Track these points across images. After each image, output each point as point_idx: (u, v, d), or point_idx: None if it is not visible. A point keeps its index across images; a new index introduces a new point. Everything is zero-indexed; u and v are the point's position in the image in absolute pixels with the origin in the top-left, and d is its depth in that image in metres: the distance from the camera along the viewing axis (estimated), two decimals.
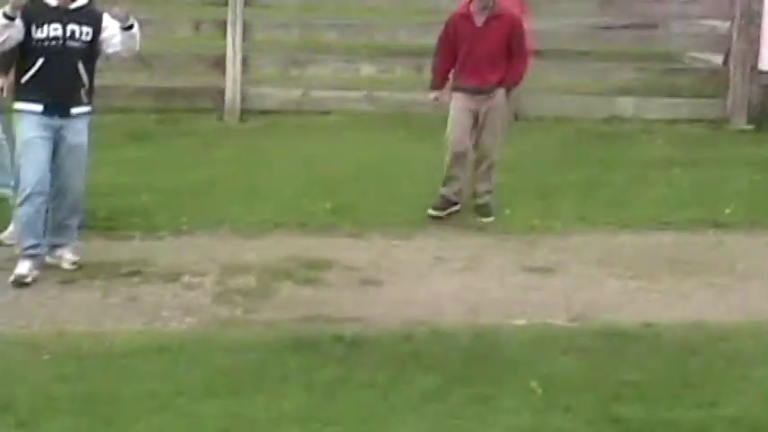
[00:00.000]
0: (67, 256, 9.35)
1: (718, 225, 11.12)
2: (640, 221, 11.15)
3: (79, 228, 9.66)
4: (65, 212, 9.36)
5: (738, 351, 7.94)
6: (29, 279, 8.99)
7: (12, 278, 8.97)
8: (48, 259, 9.36)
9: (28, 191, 9.03)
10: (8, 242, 9.66)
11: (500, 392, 7.14)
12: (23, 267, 9.03)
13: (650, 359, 7.75)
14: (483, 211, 11.13)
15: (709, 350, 7.92)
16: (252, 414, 6.78)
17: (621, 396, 7.12)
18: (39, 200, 9.07)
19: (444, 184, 11.08)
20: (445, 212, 11.06)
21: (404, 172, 12.37)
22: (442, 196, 11.07)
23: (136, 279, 9.23)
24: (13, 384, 7.13)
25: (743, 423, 6.73)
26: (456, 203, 11.11)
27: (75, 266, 9.30)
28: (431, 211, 11.01)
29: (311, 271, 9.46)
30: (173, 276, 9.29)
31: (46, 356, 7.58)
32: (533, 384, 7.25)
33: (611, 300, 9.08)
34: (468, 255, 10.07)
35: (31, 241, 9.11)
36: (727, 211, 11.43)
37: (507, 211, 11.27)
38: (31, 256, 9.11)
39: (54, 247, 9.39)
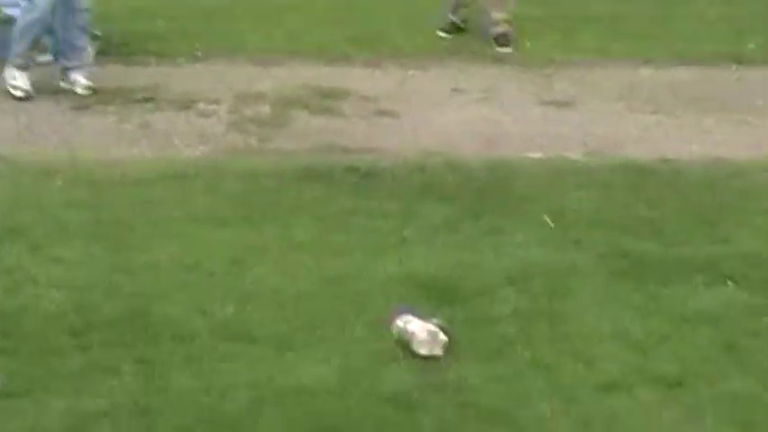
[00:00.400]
0: (82, 81, 9.28)
1: (740, 60, 10.95)
2: (662, 56, 10.99)
3: (95, 53, 9.58)
4: (74, 31, 9.25)
5: (755, 187, 7.87)
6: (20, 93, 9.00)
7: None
8: (62, 84, 9.31)
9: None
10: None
11: (512, 225, 7.11)
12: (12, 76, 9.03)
13: (665, 195, 7.69)
14: (501, 40, 10.99)
15: (725, 186, 7.86)
16: (263, 242, 6.78)
17: (634, 231, 7.09)
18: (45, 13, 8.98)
19: (453, 12, 11.11)
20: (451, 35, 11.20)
21: (425, 2, 12.18)
22: (451, 22, 11.11)
23: (150, 106, 9.17)
24: (26, 209, 7.13)
25: (755, 259, 6.69)
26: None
27: (89, 91, 9.24)
28: (440, 33, 11.17)
29: (326, 100, 9.38)
30: (187, 103, 9.23)
31: (58, 182, 7.57)
32: (546, 218, 7.21)
33: (629, 134, 9.00)
34: (485, 86, 9.96)
35: (23, 48, 9.05)
36: (751, 46, 11.25)
37: (528, 44, 11.12)
38: (19, 66, 9.07)
39: (67, 70, 9.31)
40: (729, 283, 6.44)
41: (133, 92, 9.37)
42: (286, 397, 5.06)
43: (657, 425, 4.97)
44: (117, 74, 9.76)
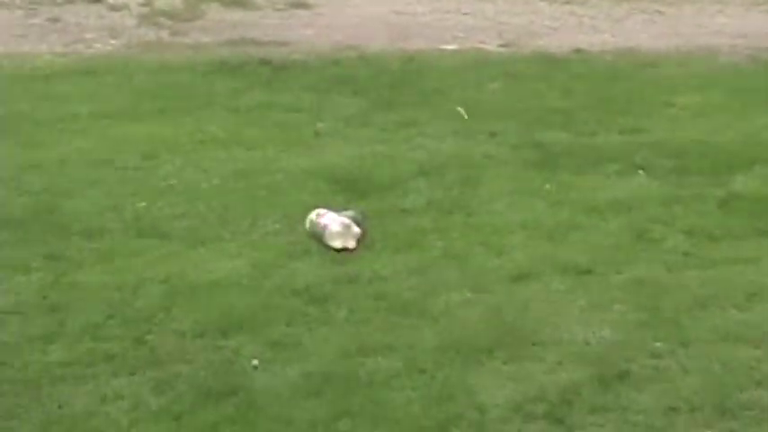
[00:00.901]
0: None
1: None
2: None
3: None
4: None
5: (665, 77, 7.93)
6: None
7: None
8: None
9: None
10: None
11: (426, 117, 7.11)
12: None
13: (577, 85, 7.73)
14: None
15: (636, 76, 7.91)
16: (177, 137, 6.72)
17: (547, 122, 7.12)
18: None
19: None
20: None
21: None
22: None
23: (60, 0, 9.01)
24: None
25: (665, 147, 6.76)
26: None
27: None
28: None
29: None
30: None
31: None
32: (460, 109, 7.21)
33: (543, 25, 9.01)
34: None
35: None
36: None
37: None
38: None
39: None
40: (640, 172, 6.50)
41: None
42: (198, 291, 5.04)
43: (567, 312, 5.02)
44: None
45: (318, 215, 5.66)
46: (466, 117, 7.15)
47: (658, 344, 4.67)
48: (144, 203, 5.87)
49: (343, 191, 6.08)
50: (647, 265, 5.43)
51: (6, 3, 8.85)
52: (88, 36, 8.39)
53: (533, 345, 4.68)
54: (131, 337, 4.57)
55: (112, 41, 8.32)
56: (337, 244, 5.51)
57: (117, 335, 4.58)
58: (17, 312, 4.74)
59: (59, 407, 3.77)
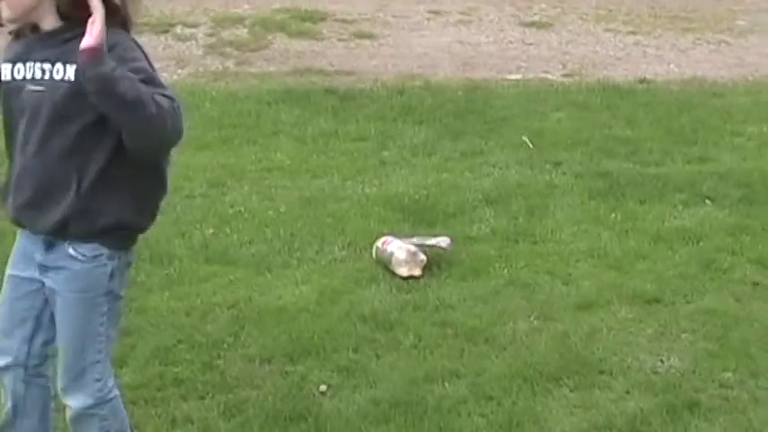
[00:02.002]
0: None
1: None
2: None
3: None
4: None
5: (733, 107, 7.89)
6: None
7: None
8: None
9: None
10: None
11: (491, 146, 7.12)
12: None
13: (643, 115, 7.70)
14: None
15: (702, 106, 7.87)
16: (243, 165, 6.78)
17: (612, 151, 7.10)
18: None
19: None
20: None
21: None
22: None
23: None
24: None
25: (732, 177, 6.72)
26: None
27: None
28: None
29: (305, 23, 9.35)
30: (165, 27, 9.18)
31: None
32: (525, 138, 7.22)
33: (608, 55, 9.00)
34: (464, 8, 9.93)
35: None
36: None
37: None
38: None
39: None
40: (707, 201, 6.47)
41: None
42: (266, 317, 5.08)
43: (635, 340, 5.01)
44: None
45: (385, 242, 5.68)
46: (531, 146, 7.15)
47: (728, 374, 4.64)
48: (212, 230, 5.92)
49: (409, 219, 6.10)
50: (715, 294, 5.40)
51: None
52: (156, 66, 8.45)
53: (601, 373, 4.67)
54: (201, 362, 4.61)
55: (179, 71, 8.41)
56: (403, 271, 5.53)
57: (186, 359, 4.63)
58: None
59: (130, 429, 3.80)
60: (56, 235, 3.43)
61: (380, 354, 4.77)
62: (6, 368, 3.62)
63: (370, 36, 9.19)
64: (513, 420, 4.24)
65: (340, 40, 9.11)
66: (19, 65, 3.44)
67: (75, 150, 3.38)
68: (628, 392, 4.47)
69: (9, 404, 3.67)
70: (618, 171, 6.77)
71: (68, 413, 3.58)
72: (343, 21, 9.47)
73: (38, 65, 3.41)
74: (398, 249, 5.60)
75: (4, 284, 3.60)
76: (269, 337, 4.90)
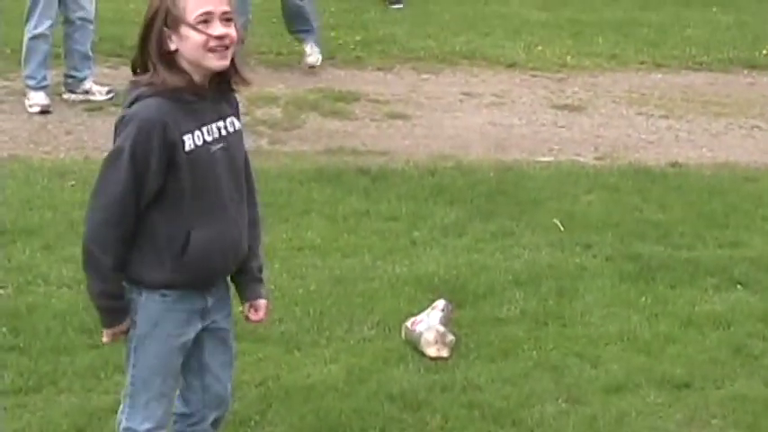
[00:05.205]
0: (96, 88, 9.28)
1: (752, 66, 10.98)
2: (674, 61, 11.02)
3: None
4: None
5: (764, 192, 7.88)
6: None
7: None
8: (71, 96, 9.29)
9: None
10: None
11: (522, 228, 7.13)
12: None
13: (675, 199, 7.70)
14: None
15: (734, 191, 7.86)
16: (273, 243, 6.79)
17: (643, 234, 7.10)
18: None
19: None
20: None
21: (435, 6, 12.21)
22: None
23: None
24: (40, 209, 7.17)
25: (763, 262, 6.70)
26: None
27: (108, 95, 9.24)
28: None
29: (338, 103, 9.42)
30: None
31: (71, 183, 7.61)
32: (556, 221, 7.23)
33: (640, 139, 9.02)
34: (496, 91, 9.99)
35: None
36: (764, 52, 11.26)
37: (539, 48, 11.15)
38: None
39: (80, 80, 9.28)
40: (739, 286, 6.45)
41: None
42: (293, 395, 5.08)
43: (664, 426, 4.98)
44: (127, 76, 9.78)
45: (414, 323, 5.69)
46: (562, 229, 7.16)
47: None
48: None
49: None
50: (746, 380, 5.38)
51: (112, 112, 9.03)
52: None
53: None
54: None
55: None
56: (432, 352, 5.53)
57: None
58: (117, 412, 4.80)
59: None
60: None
61: None
62: None
63: (402, 117, 9.25)
64: None
65: (373, 120, 9.16)
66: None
67: None
68: None
69: None
70: (649, 254, 6.77)
71: None
72: (376, 101, 9.53)
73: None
74: (427, 330, 5.61)
75: None
76: (296, 416, 4.90)
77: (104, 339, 3.96)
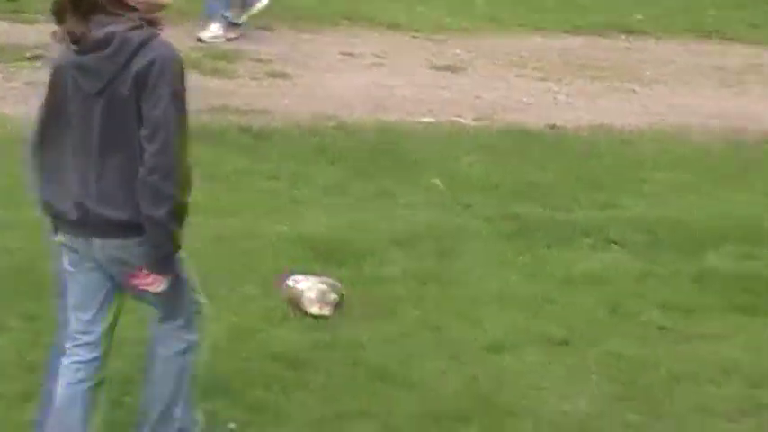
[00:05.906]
0: None
1: (628, 31, 11.13)
2: (551, 24, 11.12)
3: None
4: None
5: (640, 154, 8.03)
6: None
7: None
8: None
9: None
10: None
11: (403, 188, 7.17)
12: None
13: (553, 160, 7.80)
14: None
15: (610, 153, 8.00)
16: None
17: (522, 195, 7.19)
18: None
19: None
20: None
21: None
22: None
23: (39, 64, 9.03)
24: None
25: (639, 224, 6.83)
26: None
27: None
28: None
29: (219, 62, 9.33)
30: None
31: None
32: (436, 181, 7.28)
33: (519, 101, 9.10)
34: (377, 51, 9.99)
35: None
36: (639, 17, 11.43)
37: (419, 9, 11.17)
38: None
39: None
40: (614, 246, 6.57)
41: (21, 49, 9.22)
42: None
43: (543, 383, 5.07)
44: (4, 31, 9.60)
45: (296, 281, 5.70)
46: (442, 188, 7.21)
47: (634, 416, 4.71)
48: None
49: (320, 258, 6.12)
50: (621, 338, 5.49)
51: None
52: None
53: (510, 415, 4.72)
54: (109, 400, 4.56)
55: None
56: (314, 310, 5.55)
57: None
58: None
59: None
60: None
61: (290, 392, 4.79)
62: None
63: (284, 75, 9.21)
64: None
65: (254, 79, 9.11)
66: None
67: None
68: None
69: None
70: (527, 215, 6.86)
71: None
72: (258, 60, 9.47)
73: None
74: (309, 288, 5.63)
75: None
76: None
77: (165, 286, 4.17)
